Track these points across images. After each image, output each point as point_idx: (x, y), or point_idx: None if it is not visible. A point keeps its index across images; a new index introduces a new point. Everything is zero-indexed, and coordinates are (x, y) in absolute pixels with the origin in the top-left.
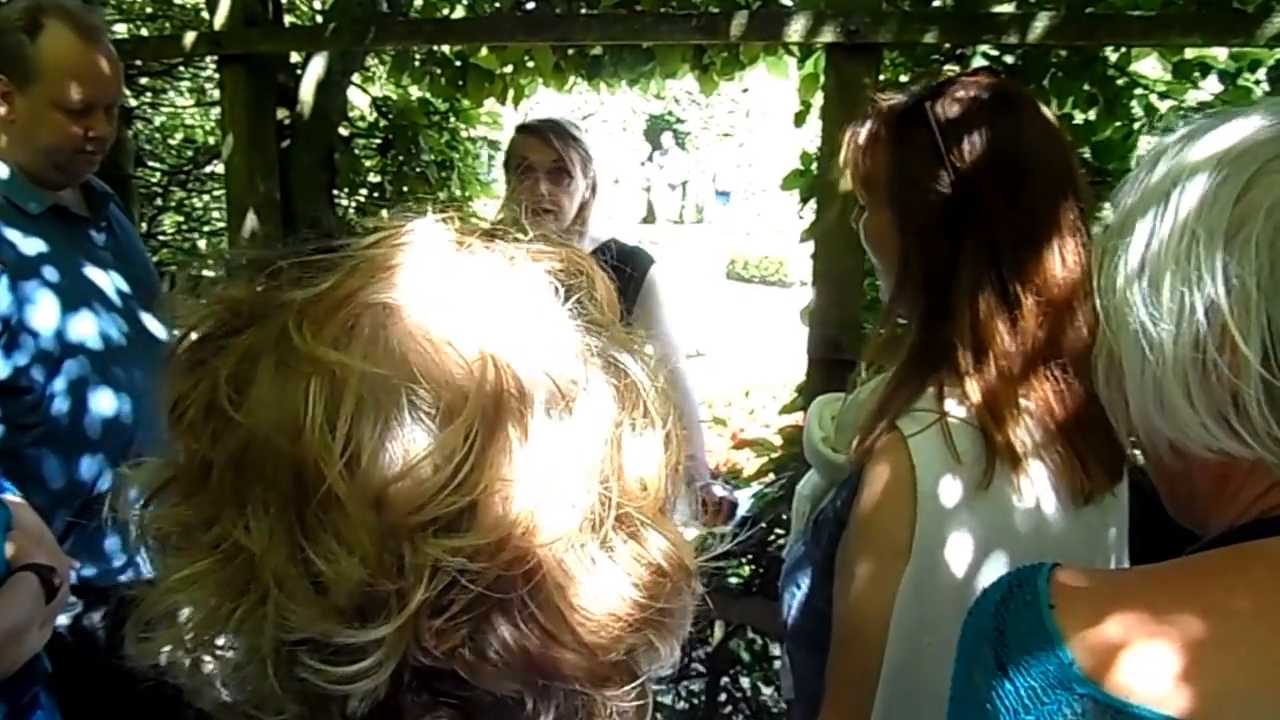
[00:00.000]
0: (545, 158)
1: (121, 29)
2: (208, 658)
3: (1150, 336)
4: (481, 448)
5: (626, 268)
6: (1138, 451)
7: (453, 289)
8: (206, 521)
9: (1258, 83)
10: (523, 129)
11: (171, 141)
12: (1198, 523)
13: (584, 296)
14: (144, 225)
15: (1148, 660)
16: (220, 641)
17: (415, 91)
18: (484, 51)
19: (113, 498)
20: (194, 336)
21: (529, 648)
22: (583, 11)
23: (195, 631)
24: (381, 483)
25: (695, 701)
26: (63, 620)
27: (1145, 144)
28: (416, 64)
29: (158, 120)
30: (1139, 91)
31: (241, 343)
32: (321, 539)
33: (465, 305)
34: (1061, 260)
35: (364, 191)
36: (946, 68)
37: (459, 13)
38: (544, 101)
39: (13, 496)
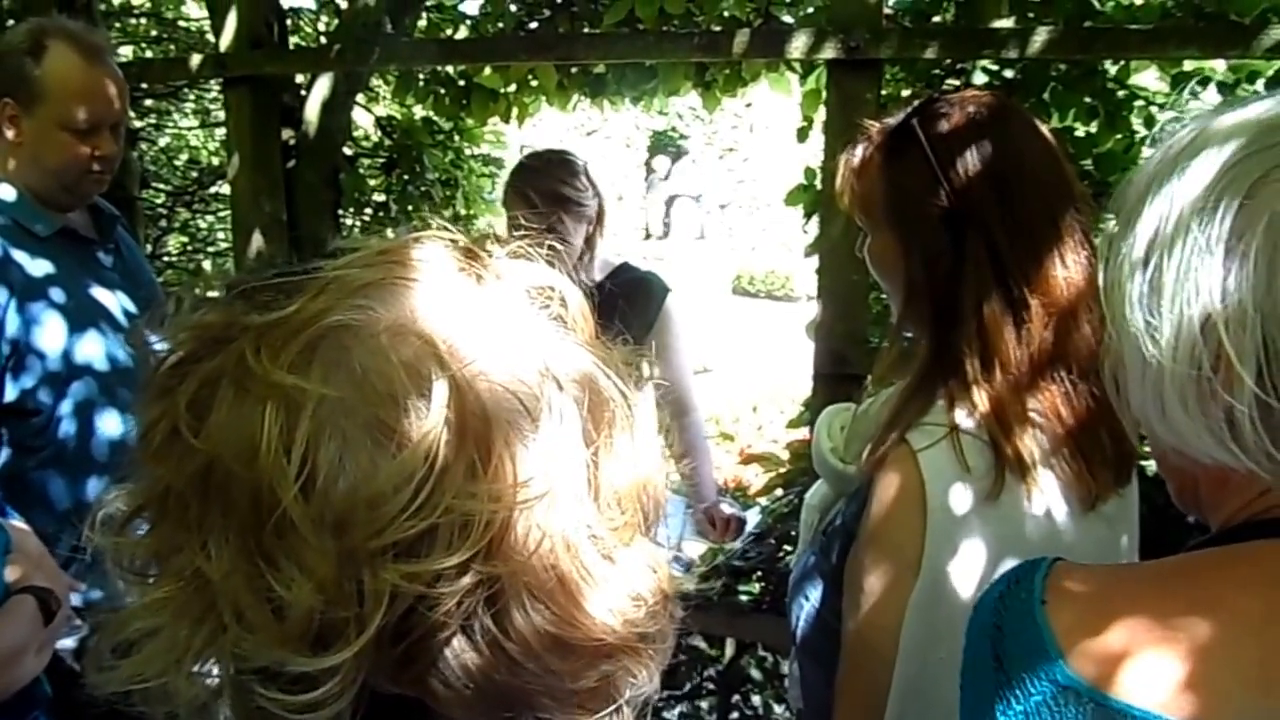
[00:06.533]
0: (536, 223)
1: (127, 51)
2: (173, 688)
3: (1149, 345)
4: (443, 470)
5: (641, 296)
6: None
7: (420, 310)
8: (174, 549)
9: (1256, 93)
10: (515, 185)
11: (176, 163)
12: (1202, 515)
13: (558, 312)
14: (149, 246)
15: (1128, 658)
16: (189, 670)
17: (419, 111)
18: (488, 71)
19: (90, 525)
20: (168, 363)
21: (494, 675)
22: (586, 31)
23: (157, 660)
24: (339, 506)
25: (707, 719)
26: (68, 643)
27: (1147, 154)
28: (420, 83)
29: (163, 142)
30: (1139, 103)
31: (203, 369)
32: (279, 564)
33: (432, 326)
34: (1063, 263)
35: (369, 211)
36: (947, 83)
37: (463, 33)
38: (547, 119)
39: (13, 521)
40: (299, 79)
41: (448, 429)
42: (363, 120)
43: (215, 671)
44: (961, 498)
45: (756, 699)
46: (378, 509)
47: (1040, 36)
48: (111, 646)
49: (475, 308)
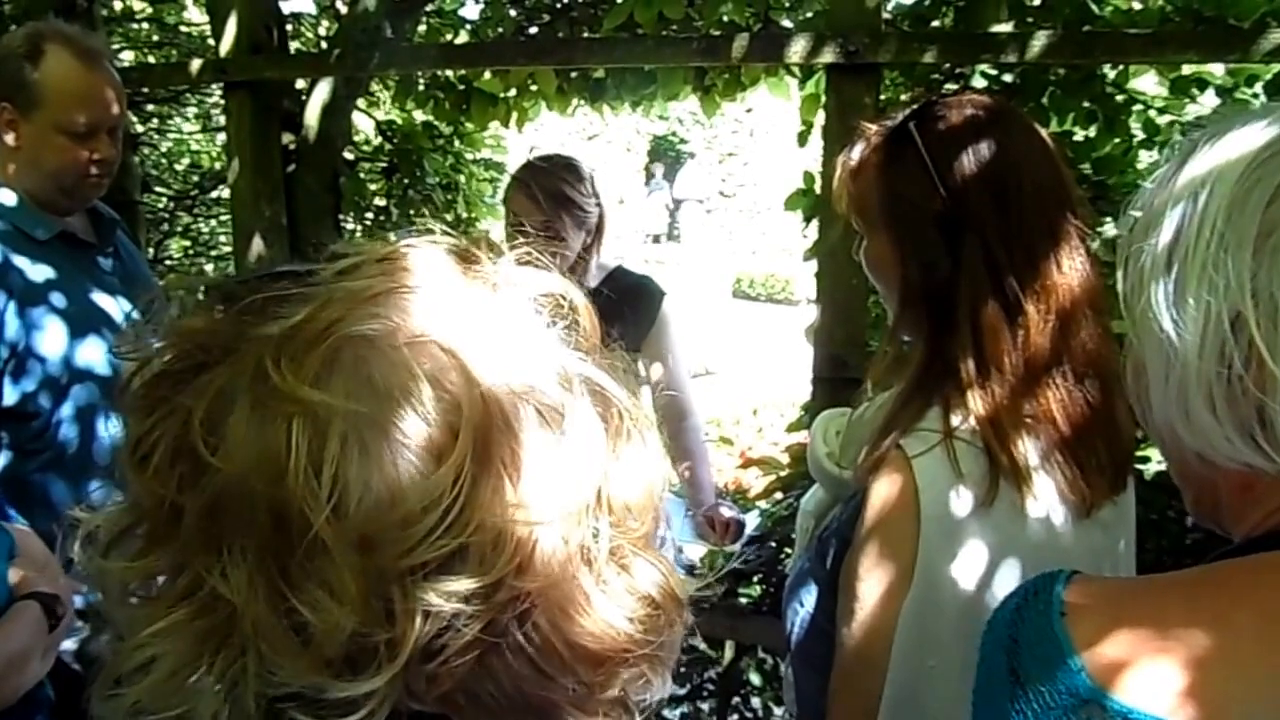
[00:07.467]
0: (535, 219)
1: (128, 56)
2: (193, 715)
3: (1174, 344)
4: (472, 486)
5: (637, 300)
6: (1142, 466)
7: (435, 319)
8: (175, 570)
9: (1255, 96)
10: (520, 179)
11: (178, 167)
12: (1221, 525)
13: (567, 321)
14: (150, 250)
15: (1154, 671)
16: (207, 691)
17: (419, 115)
18: (487, 75)
19: (67, 544)
20: (151, 371)
21: (525, 689)
22: (585, 35)
23: (169, 686)
24: (369, 526)
25: None
26: (69, 645)
27: (1146, 158)
28: (420, 88)
29: (164, 146)
30: (1138, 107)
31: (214, 381)
32: (306, 587)
33: (449, 336)
34: (1059, 268)
35: (369, 215)
36: (946, 87)
37: (463, 38)
38: (547, 123)
39: (16, 524)
40: (299, 83)
41: (476, 444)
42: (363, 124)
43: (216, 687)
44: (955, 504)
45: (756, 701)
46: (408, 528)
47: (1039, 41)
48: (119, 673)
49: (490, 317)
